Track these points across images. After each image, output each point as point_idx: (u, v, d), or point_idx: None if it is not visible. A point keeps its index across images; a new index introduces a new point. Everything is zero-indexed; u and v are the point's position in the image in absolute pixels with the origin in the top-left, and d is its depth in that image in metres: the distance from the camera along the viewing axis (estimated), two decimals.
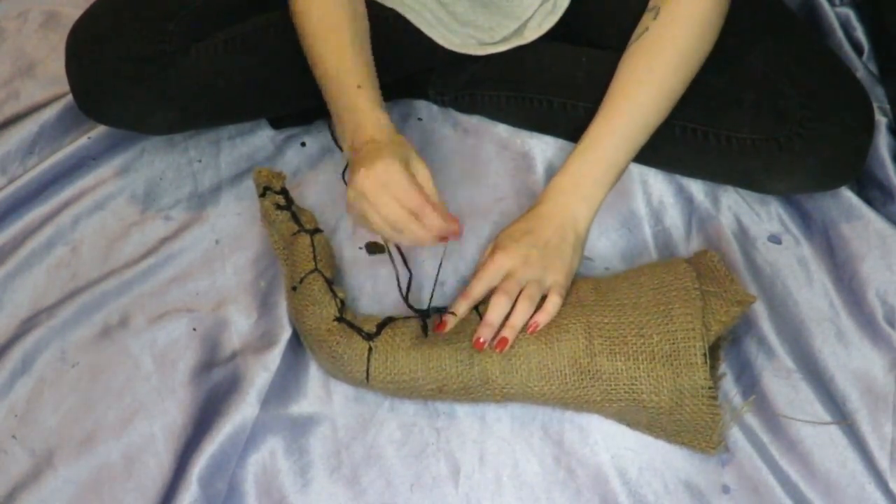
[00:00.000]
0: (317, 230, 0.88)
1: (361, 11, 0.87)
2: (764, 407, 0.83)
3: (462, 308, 0.80)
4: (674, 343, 0.76)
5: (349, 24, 0.84)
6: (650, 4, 0.86)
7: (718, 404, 0.76)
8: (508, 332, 0.78)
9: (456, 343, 0.79)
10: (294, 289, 0.85)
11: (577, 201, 0.83)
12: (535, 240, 0.81)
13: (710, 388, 0.75)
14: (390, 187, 0.76)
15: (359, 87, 0.81)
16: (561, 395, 0.79)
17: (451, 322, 0.80)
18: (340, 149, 0.85)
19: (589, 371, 0.77)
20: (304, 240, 0.86)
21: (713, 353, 0.82)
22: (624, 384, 0.77)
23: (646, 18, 0.85)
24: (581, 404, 0.80)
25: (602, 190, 0.84)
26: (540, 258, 0.80)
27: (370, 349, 0.80)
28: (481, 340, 0.77)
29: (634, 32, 0.86)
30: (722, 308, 0.79)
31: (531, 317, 0.79)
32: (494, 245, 0.83)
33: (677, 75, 0.84)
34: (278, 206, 0.88)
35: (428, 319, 0.82)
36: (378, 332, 0.81)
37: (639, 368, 0.76)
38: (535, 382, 0.78)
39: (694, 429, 0.78)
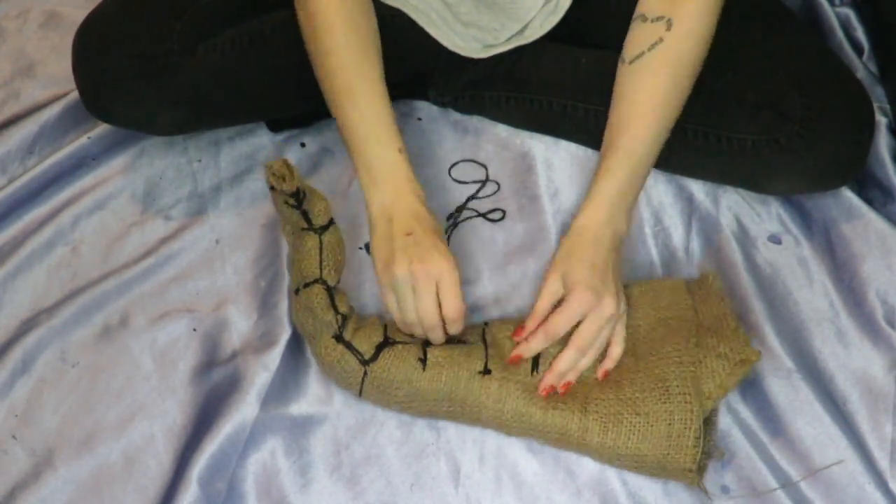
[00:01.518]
0: (329, 224, 0.83)
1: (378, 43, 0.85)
2: (764, 407, 0.83)
3: (541, 343, 0.78)
4: (670, 424, 0.75)
5: (377, 62, 0.83)
6: (653, 12, 0.85)
7: (697, 477, 0.75)
8: (573, 377, 0.79)
9: (451, 386, 0.79)
10: (297, 291, 0.83)
11: (622, 218, 0.83)
12: (608, 272, 0.80)
13: (693, 468, 0.75)
14: (441, 288, 0.77)
15: (399, 150, 0.81)
16: (545, 444, 0.80)
17: (527, 354, 0.79)
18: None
19: (577, 442, 0.78)
20: (312, 241, 0.82)
21: (707, 421, 0.80)
22: (607, 457, 0.78)
23: (655, 28, 0.84)
24: (564, 450, 0.81)
25: (635, 202, 0.85)
26: (607, 298, 0.78)
27: (365, 373, 0.80)
28: (551, 387, 0.78)
29: (639, 39, 0.85)
30: (724, 370, 0.77)
31: (600, 367, 0.80)
32: (570, 281, 0.79)
33: (691, 86, 0.85)
34: (288, 203, 0.85)
35: (428, 348, 0.81)
36: (375, 356, 0.80)
37: (627, 447, 0.76)
38: (522, 435, 0.80)
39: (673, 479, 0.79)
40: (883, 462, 0.80)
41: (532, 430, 0.78)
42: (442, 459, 0.81)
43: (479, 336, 0.82)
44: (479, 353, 0.80)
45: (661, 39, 0.83)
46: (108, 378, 0.86)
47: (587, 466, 0.80)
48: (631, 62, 0.85)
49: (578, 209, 0.83)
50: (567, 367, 0.78)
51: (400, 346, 0.80)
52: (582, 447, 0.78)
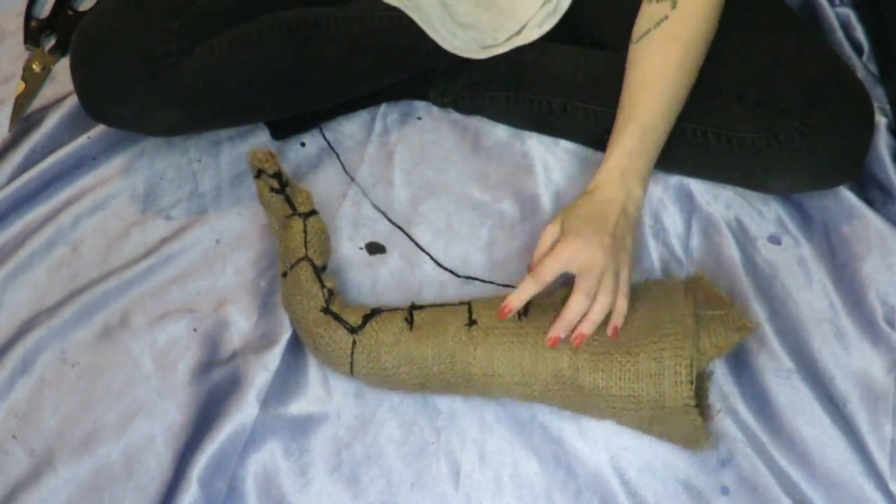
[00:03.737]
0: (312, 212, 0.88)
1: None
2: (764, 407, 0.83)
3: (530, 288, 0.78)
4: (660, 361, 0.75)
5: None
6: None
7: (699, 417, 0.75)
8: (587, 327, 0.77)
9: (439, 341, 0.79)
10: (284, 275, 0.85)
11: (635, 183, 0.82)
12: (605, 226, 0.79)
13: (691, 404, 0.74)
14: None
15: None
16: (542, 398, 0.80)
17: (517, 304, 0.78)
18: None
19: (571, 384, 0.78)
20: (297, 224, 0.86)
21: (700, 381, 0.80)
22: (603, 400, 0.77)
23: (660, 7, 0.84)
24: (564, 407, 0.81)
25: (650, 170, 0.84)
26: (612, 246, 0.78)
27: (354, 342, 0.80)
28: (557, 337, 0.77)
29: (646, 18, 0.86)
30: (721, 332, 0.78)
31: (609, 322, 0.78)
32: (564, 229, 0.79)
33: (700, 61, 0.85)
34: (272, 189, 0.88)
35: (415, 311, 0.82)
36: (363, 325, 0.81)
37: (621, 387, 0.76)
38: (516, 386, 0.79)
39: (677, 434, 0.78)
40: (883, 462, 0.80)
41: (525, 376, 0.78)
42: (442, 459, 0.81)
43: (466, 305, 0.83)
44: (464, 310, 0.81)
45: (666, 17, 0.84)
46: (108, 378, 0.86)
47: (587, 466, 0.81)
48: (638, 40, 0.85)
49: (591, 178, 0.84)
50: (575, 314, 0.77)
51: (386, 313, 0.82)
52: (577, 394, 0.77)
